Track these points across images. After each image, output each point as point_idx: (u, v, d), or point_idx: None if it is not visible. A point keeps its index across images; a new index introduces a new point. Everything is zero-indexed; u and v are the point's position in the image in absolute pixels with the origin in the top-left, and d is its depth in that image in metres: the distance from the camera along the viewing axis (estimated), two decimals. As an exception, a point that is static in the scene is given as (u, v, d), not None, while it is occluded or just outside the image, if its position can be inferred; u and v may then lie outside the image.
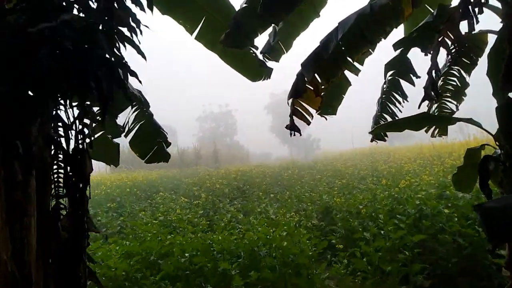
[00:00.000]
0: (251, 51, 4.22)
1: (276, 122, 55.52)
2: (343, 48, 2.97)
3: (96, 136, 4.34)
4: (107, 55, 1.99)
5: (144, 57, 2.30)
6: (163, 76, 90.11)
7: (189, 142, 32.10)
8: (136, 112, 4.21)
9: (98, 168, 29.95)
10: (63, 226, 2.53)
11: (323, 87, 3.22)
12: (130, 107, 4.08)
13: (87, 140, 2.55)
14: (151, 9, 2.69)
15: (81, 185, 2.46)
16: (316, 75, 3.04)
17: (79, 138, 2.50)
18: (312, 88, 3.15)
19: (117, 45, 2.61)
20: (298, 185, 9.49)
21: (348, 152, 28.40)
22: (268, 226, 6.07)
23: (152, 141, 4.38)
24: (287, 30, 4.13)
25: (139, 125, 4.30)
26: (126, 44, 2.57)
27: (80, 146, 2.49)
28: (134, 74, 2.16)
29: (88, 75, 1.85)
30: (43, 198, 2.44)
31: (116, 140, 4.36)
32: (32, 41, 1.77)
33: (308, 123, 3.32)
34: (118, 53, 2.34)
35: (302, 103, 3.21)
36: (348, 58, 3.03)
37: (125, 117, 4.13)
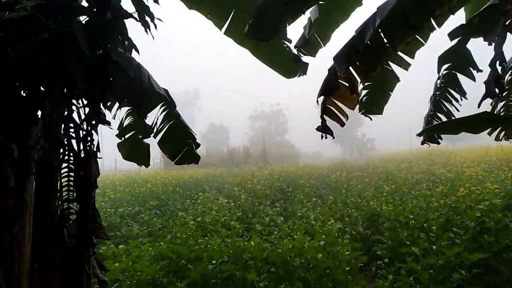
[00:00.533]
0: (285, 45, 3.90)
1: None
2: (383, 37, 2.54)
3: (127, 136, 4.34)
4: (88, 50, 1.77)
5: (137, 50, 2.10)
6: (216, 74, 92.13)
7: (241, 140, 32.33)
8: (164, 113, 4.08)
9: (153, 165, 31.26)
10: (70, 234, 2.42)
11: (360, 83, 2.81)
12: (158, 107, 3.97)
13: (95, 142, 2.43)
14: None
15: (86, 190, 2.33)
16: (351, 69, 2.65)
17: (88, 140, 2.38)
18: (347, 85, 2.76)
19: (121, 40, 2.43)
20: (344, 188, 8.94)
21: (404, 153, 26.78)
22: (306, 233, 5.71)
23: (181, 142, 4.22)
24: (325, 21, 3.74)
25: (168, 125, 4.17)
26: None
27: (88, 149, 2.37)
28: (121, 69, 1.93)
29: (60, 68, 1.64)
30: (47, 204, 2.35)
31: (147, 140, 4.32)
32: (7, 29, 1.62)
33: (342, 124, 2.93)
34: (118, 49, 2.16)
35: (335, 101, 2.83)
36: (390, 49, 2.59)
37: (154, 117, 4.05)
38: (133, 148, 4.37)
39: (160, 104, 3.93)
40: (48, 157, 2.28)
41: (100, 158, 2.65)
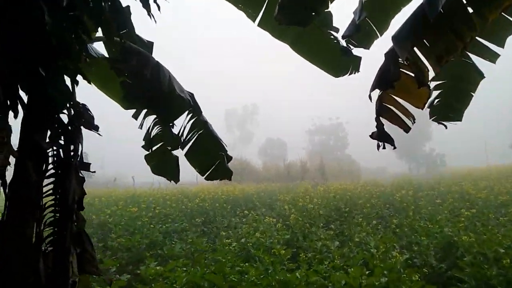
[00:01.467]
0: (331, 35, 3.21)
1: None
2: (465, 2, 1.77)
3: (154, 148, 3.91)
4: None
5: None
6: (274, 89, 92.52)
7: (298, 155, 31.45)
8: (192, 120, 3.59)
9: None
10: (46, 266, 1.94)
11: (430, 72, 2.03)
12: (185, 114, 3.48)
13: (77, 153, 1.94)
14: None
15: (64, 212, 1.84)
16: (417, 51, 1.89)
17: (68, 148, 1.90)
18: (412, 74, 2.00)
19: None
20: (411, 210, 7.77)
21: (481, 170, 23.92)
22: (365, 263, 4.82)
23: (211, 155, 3.68)
24: (381, 3, 3.00)
25: (196, 135, 3.67)
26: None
27: (67, 160, 1.88)
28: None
29: None
30: (20, 227, 1.90)
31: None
32: None
33: (406, 129, 2.15)
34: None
35: (396, 98, 2.08)
36: (477, 20, 1.80)
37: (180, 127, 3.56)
38: (162, 161, 3.92)
39: (187, 111, 3.45)
40: (24, 169, 1.86)
41: (94, 172, 2.18)
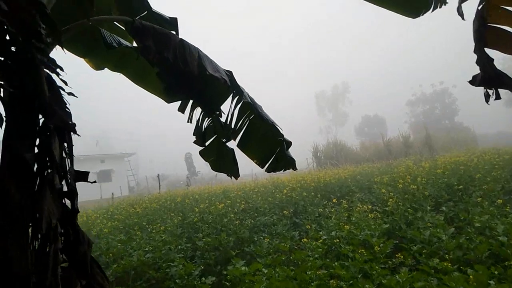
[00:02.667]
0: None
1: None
2: None
3: (208, 142, 3.49)
4: None
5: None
6: (364, 64, 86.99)
7: (399, 130, 28.68)
8: (239, 105, 3.05)
9: (307, 164, 30.90)
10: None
11: None
12: (230, 98, 2.95)
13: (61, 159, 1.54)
14: None
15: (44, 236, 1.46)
16: None
17: (44, 157, 1.51)
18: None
19: None
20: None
21: None
22: (493, 256, 3.75)
23: (268, 142, 3.10)
24: None
25: (247, 122, 3.12)
26: None
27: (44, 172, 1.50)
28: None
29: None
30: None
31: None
32: None
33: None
34: None
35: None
36: None
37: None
38: (219, 156, 3.49)
39: (232, 95, 2.92)
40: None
41: (94, 182, 1.78)
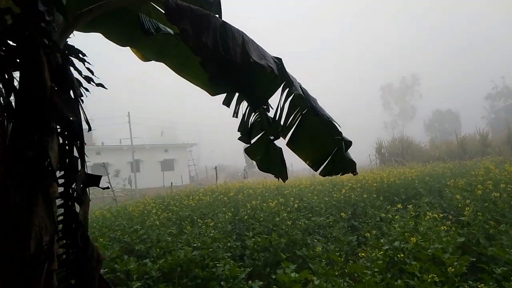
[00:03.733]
0: None
1: None
2: None
3: (255, 139, 3.15)
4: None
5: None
6: (437, 55, 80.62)
7: (476, 127, 25.91)
8: (290, 97, 2.65)
9: (369, 161, 29.26)
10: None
11: None
12: (280, 90, 2.57)
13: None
14: None
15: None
16: None
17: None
18: None
19: None
20: None
21: None
22: None
23: (324, 141, 2.67)
24: None
25: (299, 117, 2.72)
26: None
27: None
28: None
29: None
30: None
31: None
32: None
33: None
34: None
35: None
36: None
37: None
38: (266, 155, 3.15)
39: (282, 86, 2.54)
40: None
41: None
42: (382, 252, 4.11)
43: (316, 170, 2.77)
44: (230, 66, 2.40)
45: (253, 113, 3.01)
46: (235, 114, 3.06)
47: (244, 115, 3.02)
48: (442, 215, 5.49)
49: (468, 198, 6.07)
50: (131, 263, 4.97)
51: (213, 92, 2.89)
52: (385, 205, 7.69)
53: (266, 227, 6.44)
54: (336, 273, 3.82)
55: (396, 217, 5.58)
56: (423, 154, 25.88)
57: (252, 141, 3.09)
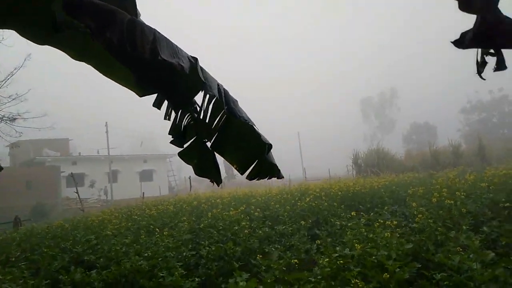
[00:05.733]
0: None
1: None
2: None
3: (188, 143, 3.08)
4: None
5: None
6: (414, 70, 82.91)
7: (448, 139, 26.57)
8: (213, 101, 2.60)
9: (347, 171, 29.58)
10: None
11: None
12: (202, 93, 2.52)
13: None
14: None
15: None
16: None
17: None
18: None
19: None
20: None
21: None
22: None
23: (249, 145, 2.63)
24: None
25: (224, 119, 2.67)
26: None
27: None
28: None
29: None
30: None
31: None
32: None
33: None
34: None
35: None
36: None
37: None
38: (201, 159, 3.08)
39: (203, 88, 2.48)
40: None
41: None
42: (327, 260, 4.06)
43: (242, 174, 2.71)
44: (155, 66, 2.34)
45: (187, 116, 2.94)
46: (167, 116, 2.99)
47: (176, 117, 2.95)
48: (396, 222, 5.50)
49: (424, 206, 6.12)
50: (77, 274, 4.77)
51: (141, 93, 2.81)
52: (349, 214, 7.69)
53: (225, 236, 6.33)
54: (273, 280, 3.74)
55: (349, 224, 5.56)
56: (398, 165, 26.30)
57: (186, 145, 3.02)
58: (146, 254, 5.26)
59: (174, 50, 2.18)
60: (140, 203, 13.99)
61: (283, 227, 6.88)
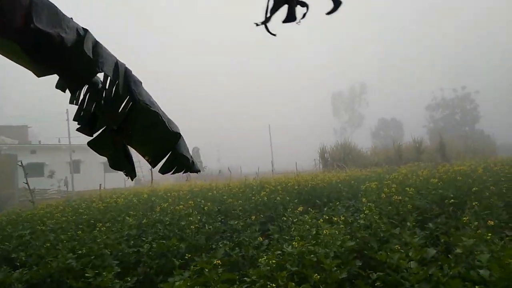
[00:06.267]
0: None
1: None
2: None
3: (100, 131, 2.76)
4: None
5: None
6: (382, 64, 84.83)
7: (411, 135, 27.35)
8: (116, 83, 2.30)
9: (314, 165, 29.83)
10: None
11: None
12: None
13: None
14: None
15: None
16: None
17: None
18: None
19: None
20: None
21: None
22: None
23: (162, 135, 2.34)
24: None
25: (130, 105, 2.37)
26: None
27: None
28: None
29: None
30: None
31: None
32: None
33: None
34: None
35: None
36: None
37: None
38: (116, 150, 2.77)
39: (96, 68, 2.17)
40: None
41: None
42: (265, 258, 3.86)
43: (154, 167, 2.43)
44: (32, 38, 2.00)
45: (95, 100, 2.61)
46: (75, 101, 2.64)
47: (83, 101, 2.61)
48: (351, 218, 5.40)
49: (375, 202, 6.07)
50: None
51: (39, 73, 2.45)
52: (305, 208, 7.58)
53: (172, 231, 6.03)
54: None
55: (295, 220, 5.41)
56: (364, 160, 26.77)
57: (96, 134, 2.69)
58: (80, 252, 4.89)
59: (59, 19, 1.86)
60: (96, 196, 13.40)
61: (236, 222, 6.66)
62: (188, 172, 2.44)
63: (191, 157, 2.36)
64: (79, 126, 2.65)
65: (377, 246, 4.51)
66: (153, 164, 2.42)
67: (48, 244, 5.04)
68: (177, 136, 2.22)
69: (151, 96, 2.15)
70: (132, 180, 2.70)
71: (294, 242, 4.05)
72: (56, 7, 1.91)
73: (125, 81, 2.01)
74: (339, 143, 28.86)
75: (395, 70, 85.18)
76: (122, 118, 2.28)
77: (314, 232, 4.49)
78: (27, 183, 13.33)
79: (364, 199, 6.08)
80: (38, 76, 2.50)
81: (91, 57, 1.85)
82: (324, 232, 4.13)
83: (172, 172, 2.42)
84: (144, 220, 6.42)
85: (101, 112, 2.44)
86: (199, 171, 2.43)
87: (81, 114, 2.58)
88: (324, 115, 73.05)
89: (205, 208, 6.95)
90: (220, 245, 5.68)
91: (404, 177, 7.84)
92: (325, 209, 7.21)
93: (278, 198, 7.43)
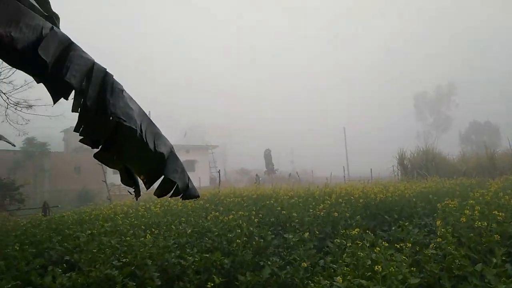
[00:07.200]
0: None
1: None
2: None
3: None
4: None
5: None
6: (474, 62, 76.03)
7: (509, 139, 23.64)
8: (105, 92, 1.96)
9: (393, 172, 27.58)
10: None
11: None
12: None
13: None
14: None
15: None
16: None
17: None
18: None
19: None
20: None
21: None
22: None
23: (144, 154, 1.96)
24: None
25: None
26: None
27: None
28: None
29: None
30: None
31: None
32: None
33: None
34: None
35: None
36: None
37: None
38: (126, 166, 2.47)
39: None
40: None
41: None
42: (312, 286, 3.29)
43: (148, 188, 2.07)
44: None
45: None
46: (77, 108, 2.41)
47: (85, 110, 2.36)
48: (410, 245, 4.53)
49: (452, 225, 5.05)
50: (49, 277, 4.45)
51: (37, 79, 2.26)
52: (369, 225, 6.76)
53: (220, 243, 5.73)
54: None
55: (348, 245, 4.68)
56: (450, 168, 23.90)
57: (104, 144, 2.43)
58: (124, 260, 4.83)
59: (18, 16, 1.58)
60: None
61: (291, 236, 6.12)
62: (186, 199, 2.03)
63: (188, 179, 1.94)
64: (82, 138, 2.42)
65: (450, 286, 3.64)
66: (147, 185, 2.06)
67: (96, 250, 5.07)
68: (162, 157, 1.82)
69: (134, 107, 1.78)
70: (136, 199, 2.38)
71: (343, 272, 3.41)
72: (17, 2, 1.63)
73: (100, 89, 1.66)
74: (420, 149, 26.23)
75: (491, 67, 75.95)
76: (104, 132, 1.96)
77: (370, 261, 3.77)
78: (105, 181, 14.36)
79: (438, 222, 5.09)
80: (38, 82, 2.32)
81: (46, 60, 1.53)
82: (382, 262, 3.41)
83: (168, 195, 2.04)
84: (196, 228, 6.23)
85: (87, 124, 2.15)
86: (197, 196, 2.01)
87: (82, 124, 2.34)
88: (406, 118, 67.89)
89: (256, 220, 6.53)
90: (269, 263, 5.21)
91: (493, 195, 6.51)
92: (393, 228, 6.30)
93: (335, 214, 6.69)
